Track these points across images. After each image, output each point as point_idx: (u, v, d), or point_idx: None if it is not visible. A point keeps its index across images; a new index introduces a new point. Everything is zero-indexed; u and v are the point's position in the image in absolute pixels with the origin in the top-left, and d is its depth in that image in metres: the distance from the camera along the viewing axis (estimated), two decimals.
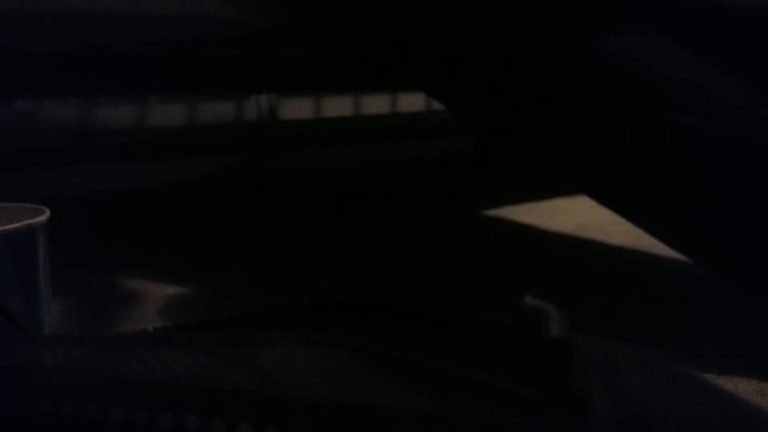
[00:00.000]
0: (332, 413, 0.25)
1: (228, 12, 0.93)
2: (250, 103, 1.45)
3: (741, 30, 0.61)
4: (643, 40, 0.64)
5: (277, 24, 0.95)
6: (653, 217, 0.70)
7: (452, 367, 0.26)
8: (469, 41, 0.70)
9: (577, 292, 0.77)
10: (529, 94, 0.70)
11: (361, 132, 1.56)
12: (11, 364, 0.26)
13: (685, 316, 0.75)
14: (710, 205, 0.64)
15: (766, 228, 0.62)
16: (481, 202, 1.35)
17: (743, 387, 0.58)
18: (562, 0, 0.66)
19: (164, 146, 1.34)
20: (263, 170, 1.45)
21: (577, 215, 1.19)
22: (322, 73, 1.19)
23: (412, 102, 1.59)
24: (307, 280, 0.86)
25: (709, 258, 0.69)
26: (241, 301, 0.34)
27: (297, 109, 1.50)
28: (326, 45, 1.04)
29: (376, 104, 1.58)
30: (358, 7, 0.76)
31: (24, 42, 0.90)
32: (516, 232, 1.19)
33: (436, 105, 1.31)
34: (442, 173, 1.50)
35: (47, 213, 0.45)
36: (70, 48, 0.94)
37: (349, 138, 1.54)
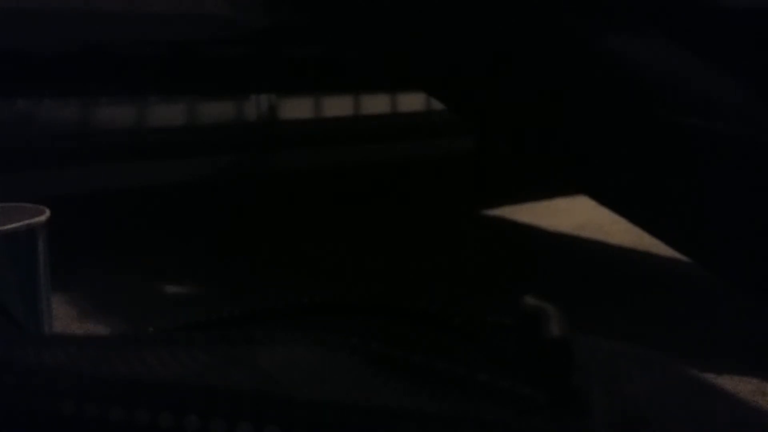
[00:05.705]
0: (332, 413, 0.25)
1: (228, 12, 0.93)
2: (250, 103, 1.45)
3: (741, 30, 0.61)
4: (643, 40, 0.64)
5: (277, 24, 0.95)
6: (653, 217, 0.70)
7: (452, 367, 0.26)
8: (468, 41, 0.70)
9: (577, 292, 0.78)
10: (529, 94, 0.70)
11: (361, 132, 1.56)
12: (11, 364, 0.26)
13: (685, 316, 0.75)
14: (710, 205, 0.64)
15: (766, 228, 0.62)
16: (481, 202, 1.35)
17: (743, 387, 0.58)
18: (561, 0, 0.66)
19: (164, 146, 1.34)
20: (263, 170, 1.45)
21: (577, 215, 1.19)
22: (322, 73, 1.19)
23: (412, 102, 1.59)
24: (307, 280, 0.86)
25: (710, 258, 0.69)
26: (241, 301, 0.33)
27: (297, 109, 1.50)
28: (326, 45, 1.04)
29: (376, 104, 1.58)
30: (357, 8, 0.76)
31: (24, 42, 0.90)
32: (516, 232, 1.19)
33: (436, 105, 1.31)
34: (442, 173, 1.50)
35: (47, 213, 0.45)
36: (70, 48, 0.94)
37: (349, 138, 1.55)
